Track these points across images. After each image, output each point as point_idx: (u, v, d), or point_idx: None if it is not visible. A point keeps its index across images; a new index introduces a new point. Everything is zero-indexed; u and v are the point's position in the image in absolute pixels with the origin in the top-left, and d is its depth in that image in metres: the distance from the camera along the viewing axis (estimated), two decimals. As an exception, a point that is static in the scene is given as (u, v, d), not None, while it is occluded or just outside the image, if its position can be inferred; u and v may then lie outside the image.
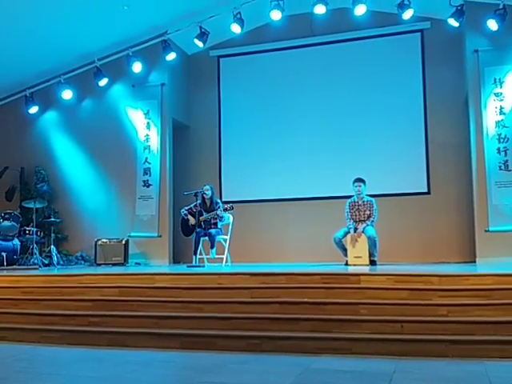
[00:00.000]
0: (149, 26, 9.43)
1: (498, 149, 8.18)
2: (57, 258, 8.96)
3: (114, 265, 9.00)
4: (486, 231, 8.03)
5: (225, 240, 8.33)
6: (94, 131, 10.11)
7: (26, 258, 8.69)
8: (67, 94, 10.06)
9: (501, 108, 8.25)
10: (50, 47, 9.32)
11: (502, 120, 8.23)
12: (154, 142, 9.82)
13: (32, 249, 8.66)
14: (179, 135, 10.27)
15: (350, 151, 9.44)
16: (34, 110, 10.35)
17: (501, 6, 8.01)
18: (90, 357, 4.48)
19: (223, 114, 10.38)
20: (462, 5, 8.27)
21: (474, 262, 8.09)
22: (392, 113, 9.38)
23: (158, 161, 9.76)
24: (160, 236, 9.55)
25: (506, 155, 8.13)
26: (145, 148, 9.86)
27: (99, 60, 9.91)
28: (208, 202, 8.34)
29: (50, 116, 10.60)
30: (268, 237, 9.71)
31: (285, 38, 9.82)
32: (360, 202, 7.86)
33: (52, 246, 9.03)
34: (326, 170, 9.49)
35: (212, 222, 8.24)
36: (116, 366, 4.07)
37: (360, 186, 7.81)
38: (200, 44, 9.34)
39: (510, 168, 8.10)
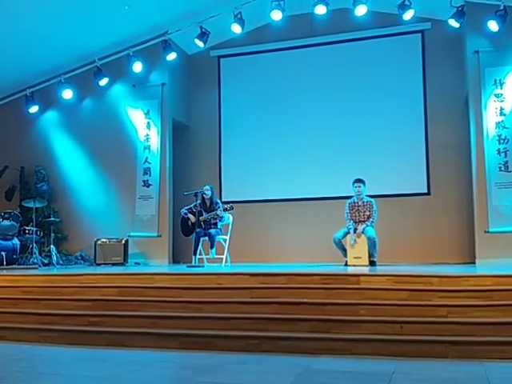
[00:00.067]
0: (149, 25, 9.43)
1: (498, 150, 8.18)
2: (56, 257, 8.96)
3: (113, 265, 9.00)
4: (485, 232, 8.02)
5: (224, 240, 8.33)
6: (94, 131, 10.11)
7: (26, 257, 8.69)
8: (67, 94, 10.06)
9: (501, 109, 8.25)
10: (50, 47, 9.32)
11: (502, 121, 8.22)
12: (154, 141, 9.82)
13: (32, 248, 8.65)
14: (179, 135, 10.27)
15: (350, 152, 9.44)
16: (34, 109, 10.35)
17: (501, 7, 8.02)
18: (89, 356, 4.48)
19: (223, 114, 10.38)
20: (463, 6, 8.27)
21: (474, 262, 8.09)
22: (392, 113, 9.38)
23: (158, 161, 9.76)
24: (160, 236, 9.55)
25: (506, 156, 8.13)
26: (145, 148, 9.86)
27: (100, 60, 9.91)
28: (208, 202, 8.34)
29: (51, 115, 10.61)
30: (268, 237, 9.70)
31: (285, 39, 9.82)
32: (360, 203, 7.86)
33: (52, 246, 9.03)
34: (326, 170, 9.49)
35: (212, 222, 8.24)
36: (115, 366, 4.07)
37: (360, 187, 7.82)
38: (200, 44, 9.34)
39: (510, 169, 8.10)
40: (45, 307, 5.80)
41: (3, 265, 8.25)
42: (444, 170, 9.10)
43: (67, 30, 8.87)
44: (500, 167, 8.14)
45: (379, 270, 6.63)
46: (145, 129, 9.88)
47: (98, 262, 9.15)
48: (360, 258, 7.50)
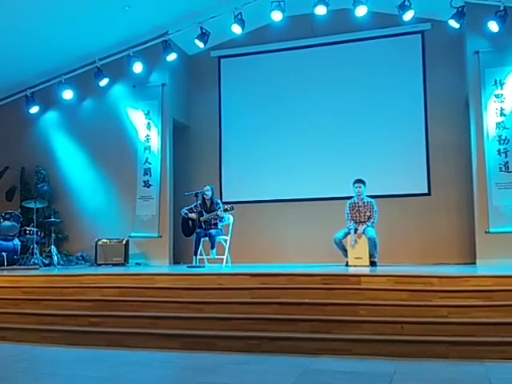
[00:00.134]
0: (150, 26, 9.43)
1: (499, 150, 8.18)
2: (57, 258, 8.96)
3: (114, 265, 9.00)
4: (486, 232, 8.03)
5: (225, 240, 8.33)
6: (94, 131, 10.11)
7: (27, 257, 8.69)
8: (68, 94, 10.06)
9: (501, 109, 8.25)
10: (50, 47, 9.33)
11: (502, 121, 8.23)
12: (155, 142, 9.82)
13: (32, 249, 8.66)
14: (180, 135, 10.28)
15: (351, 152, 9.44)
16: (34, 109, 10.36)
17: (501, 8, 8.02)
18: (90, 357, 4.48)
19: (224, 115, 10.39)
20: (463, 6, 8.27)
21: (474, 263, 8.09)
22: (392, 114, 9.38)
23: (158, 161, 9.76)
24: (160, 236, 9.55)
25: (506, 157, 8.13)
26: (145, 148, 9.86)
27: (100, 60, 9.91)
28: (208, 203, 8.34)
29: (51, 116, 10.61)
30: (268, 237, 9.71)
31: (285, 39, 9.82)
32: (360, 203, 7.86)
33: (52, 246, 9.03)
34: (327, 170, 9.49)
35: (212, 222, 8.24)
36: (116, 367, 4.08)
37: (360, 187, 7.82)
38: (201, 44, 9.34)
39: (510, 169, 8.09)
40: (45, 308, 5.80)
41: (4, 265, 8.25)
42: (444, 171, 9.10)
43: (67, 30, 8.88)
44: (500, 167, 8.14)
45: (380, 270, 6.63)
46: (145, 129, 9.89)
47: (98, 262, 9.15)
48: (361, 258, 7.50)
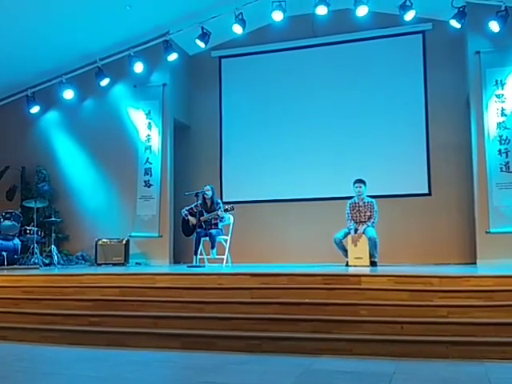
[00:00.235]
0: (151, 26, 9.43)
1: (500, 150, 8.18)
2: (57, 257, 8.96)
3: (114, 265, 9.00)
4: (486, 233, 8.03)
5: (225, 240, 8.34)
6: (95, 131, 10.12)
7: (27, 257, 8.69)
8: (69, 94, 10.07)
9: (502, 109, 8.25)
10: (51, 47, 9.33)
11: (503, 121, 8.22)
12: (155, 142, 9.82)
13: (33, 248, 8.66)
14: (180, 135, 10.28)
15: (351, 152, 9.44)
16: (35, 109, 10.36)
17: (502, 8, 8.02)
18: (90, 356, 4.48)
19: (224, 115, 10.39)
20: (464, 6, 8.27)
21: (475, 263, 8.08)
22: (393, 114, 9.38)
23: (159, 161, 9.76)
24: (161, 236, 9.55)
25: (507, 157, 8.13)
26: (146, 148, 9.86)
27: (101, 60, 9.92)
28: (209, 203, 8.34)
29: (52, 116, 10.62)
30: (269, 237, 9.70)
31: (286, 39, 9.82)
32: (360, 203, 7.86)
33: (53, 246, 9.03)
34: (327, 170, 9.49)
35: (213, 222, 8.25)
36: (116, 366, 4.08)
37: (360, 187, 7.82)
38: (202, 44, 9.35)
39: (511, 169, 8.09)
40: (46, 307, 5.80)
41: (4, 265, 8.25)
42: (445, 171, 9.10)
43: (68, 30, 8.88)
44: (501, 168, 8.14)
45: (380, 270, 6.63)
46: (146, 129, 9.89)
47: (98, 262, 9.15)
48: (361, 258, 7.50)
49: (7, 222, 8.66)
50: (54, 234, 9.30)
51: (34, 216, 8.92)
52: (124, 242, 9.23)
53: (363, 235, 7.56)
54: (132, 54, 9.72)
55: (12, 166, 10.34)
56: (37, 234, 8.86)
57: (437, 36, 9.19)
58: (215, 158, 10.29)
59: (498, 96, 8.28)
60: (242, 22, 8.90)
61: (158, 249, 9.51)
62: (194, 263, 7.99)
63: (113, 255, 9.13)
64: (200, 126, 10.48)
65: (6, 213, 8.79)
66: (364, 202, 7.85)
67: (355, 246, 7.58)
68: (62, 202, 10.24)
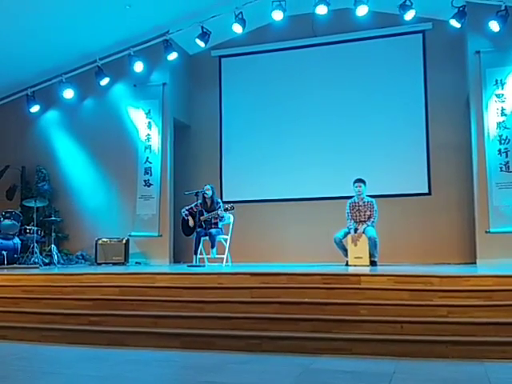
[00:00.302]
0: (150, 25, 9.43)
1: (499, 150, 8.18)
2: (57, 257, 8.96)
3: (114, 264, 9.00)
4: (486, 232, 8.03)
5: (225, 240, 8.34)
6: (95, 130, 10.12)
7: (27, 256, 8.70)
8: (68, 93, 10.07)
9: (502, 109, 8.25)
10: (51, 46, 9.33)
11: (503, 121, 8.23)
12: (155, 141, 9.82)
13: (32, 248, 8.66)
14: (180, 135, 10.28)
15: (351, 152, 9.44)
16: (35, 109, 10.36)
17: (502, 8, 8.02)
18: (90, 356, 4.48)
19: (224, 114, 10.39)
20: (464, 6, 8.27)
21: (475, 263, 8.09)
22: (393, 113, 9.38)
23: (158, 160, 9.76)
24: (160, 235, 9.55)
25: (507, 156, 8.13)
26: (146, 147, 9.86)
27: (101, 59, 9.91)
28: (209, 202, 8.34)
29: (52, 115, 10.62)
30: (268, 237, 9.71)
31: (286, 39, 9.82)
32: (360, 203, 7.86)
33: (52, 245, 9.03)
34: (327, 170, 9.49)
35: (213, 221, 8.25)
36: (116, 365, 4.08)
37: (360, 187, 7.82)
38: (202, 44, 9.35)
39: (510, 169, 8.09)
40: (46, 306, 5.81)
41: (4, 264, 8.26)
42: (445, 171, 9.10)
43: (68, 29, 8.88)
44: (501, 167, 8.14)
45: (380, 269, 6.63)
46: (146, 128, 9.89)
47: (98, 261, 9.15)
48: (361, 257, 7.50)
49: (7, 222, 8.67)
50: (53, 234, 9.30)
51: (34, 215, 8.92)
52: (124, 241, 9.23)
53: (363, 235, 7.56)
54: (132, 54, 9.72)
55: (12, 166, 10.34)
56: (37, 233, 8.86)
57: (437, 36, 9.19)
58: (215, 158, 10.29)
59: (497, 96, 8.28)
60: (242, 22, 8.90)
61: (158, 248, 9.51)
62: (194, 263, 7.99)
63: (113, 255, 9.13)
64: (200, 126, 10.48)
65: (6, 212, 8.80)
66: (364, 202, 7.85)
67: (355, 245, 7.58)
68: (61, 202, 10.24)
